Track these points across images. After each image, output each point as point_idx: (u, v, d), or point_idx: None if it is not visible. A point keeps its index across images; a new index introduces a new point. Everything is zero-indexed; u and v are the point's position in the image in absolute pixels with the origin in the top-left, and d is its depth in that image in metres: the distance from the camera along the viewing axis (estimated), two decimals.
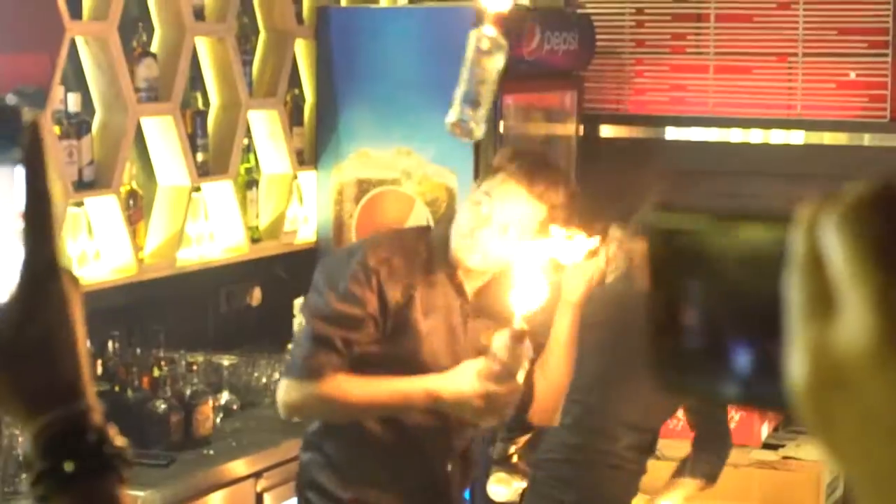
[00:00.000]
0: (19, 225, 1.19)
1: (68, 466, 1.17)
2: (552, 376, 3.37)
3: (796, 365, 0.68)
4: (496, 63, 3.46)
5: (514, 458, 4.03)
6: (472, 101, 3.47)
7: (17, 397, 1.19)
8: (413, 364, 3.26)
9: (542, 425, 3.72)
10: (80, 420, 1.19)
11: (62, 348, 1.20)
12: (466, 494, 3.82)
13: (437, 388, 3.16)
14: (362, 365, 3.25)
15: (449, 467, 3.36)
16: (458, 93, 3.47)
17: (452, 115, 3.48)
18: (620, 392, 3.99)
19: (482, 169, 5.31)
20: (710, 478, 4.18)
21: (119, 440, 1.21)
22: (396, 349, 3.28)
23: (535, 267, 3.18)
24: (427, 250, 3.32)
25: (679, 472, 4.20)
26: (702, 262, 0.75)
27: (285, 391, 3.28)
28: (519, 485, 4.03)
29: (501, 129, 5.42)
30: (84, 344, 1.22)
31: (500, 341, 3.13)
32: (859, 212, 0.67)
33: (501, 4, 3.50)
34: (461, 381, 3.14)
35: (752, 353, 0.73)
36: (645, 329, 0.76)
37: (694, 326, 0.75)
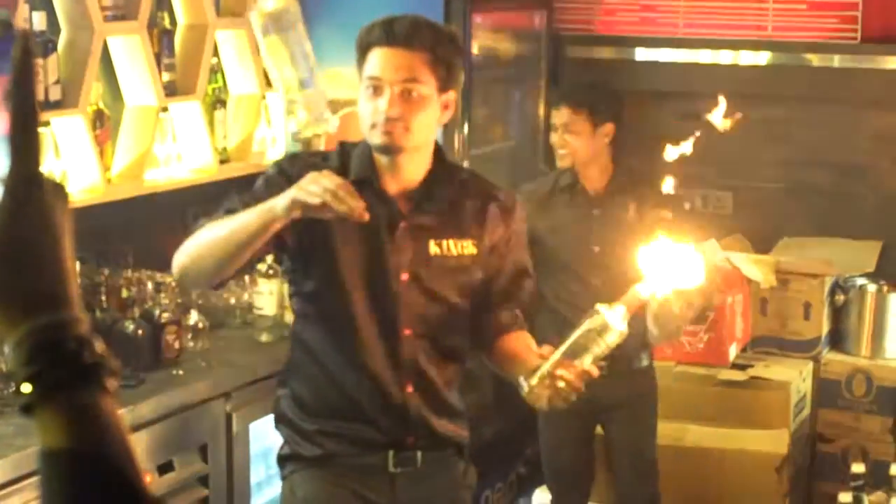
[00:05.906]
0: (3, 136, 1.18)
1: (47, 375, 1.16)
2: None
3: None
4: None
5: None
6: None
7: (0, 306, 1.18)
8: (330, 278, 3.28)
9: None
10: (62, 329, 1.18)
11: (45, 258, 1.19)
12: None
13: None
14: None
15: (409, 388, 3.34)
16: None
17: None
18: None
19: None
20: None
21: (101, 350, 1.19)
22: (313, 263, 3.31)
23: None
24: (341, 160, 3.35)
25: None
26: None
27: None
28: None
29: (473, 48, 5.39)
30: (71, 255, 1.21)
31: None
32: None
33: None
34: None
35: None
36: None
37: None
